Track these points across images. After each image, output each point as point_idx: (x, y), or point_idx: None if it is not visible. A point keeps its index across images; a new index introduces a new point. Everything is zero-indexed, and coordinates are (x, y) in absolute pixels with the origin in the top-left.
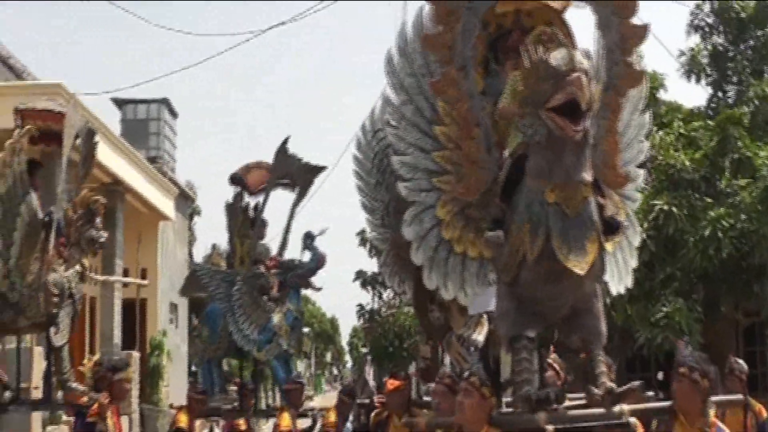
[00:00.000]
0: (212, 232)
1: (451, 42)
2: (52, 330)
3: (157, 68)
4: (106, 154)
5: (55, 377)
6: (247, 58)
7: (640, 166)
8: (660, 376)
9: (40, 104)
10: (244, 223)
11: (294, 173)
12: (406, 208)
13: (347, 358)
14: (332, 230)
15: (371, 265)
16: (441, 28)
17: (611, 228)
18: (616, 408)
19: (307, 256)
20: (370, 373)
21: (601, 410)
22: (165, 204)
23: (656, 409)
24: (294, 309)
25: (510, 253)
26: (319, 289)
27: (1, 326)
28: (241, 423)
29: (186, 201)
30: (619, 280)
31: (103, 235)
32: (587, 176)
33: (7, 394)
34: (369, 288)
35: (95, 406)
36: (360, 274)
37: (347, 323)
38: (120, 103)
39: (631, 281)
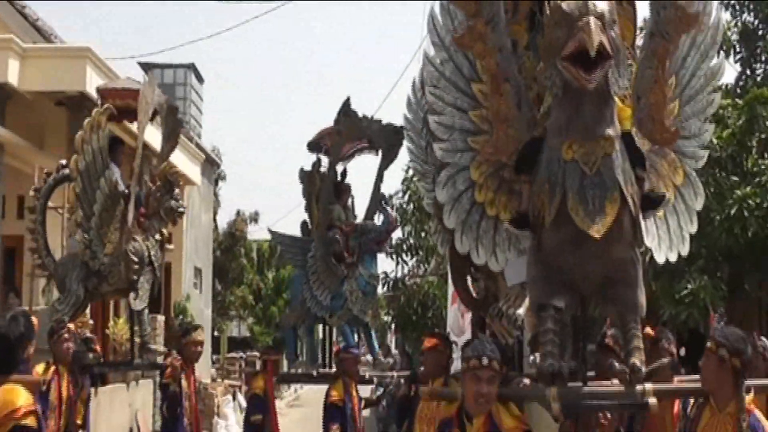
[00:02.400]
0: (236, 197)
1: None
2: (132, 295)
3: (184, 34)
4: None
5: (137, 339)
6: (276, 24)
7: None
8: (682, 351)
9: (119, 83)
10: (324, 189)
11: (374, 136)
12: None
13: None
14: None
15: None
16: None
17: (652, 202)
18: (639, 387)
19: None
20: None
21: (619, 388)
22: (191, 169)
23: (686, 390)
24: (366, 274)
25: (532, 217)
26: (390, 253)
27: (87, 292)
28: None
29: (211, 166)
30: (669, 246)
31: (182, 205)
32: (610, 131)
33: (91, 356)
34: (392, 256)
35: (168, 369)
36: None
37: None
38: (146, 67)
39: (687, 249)
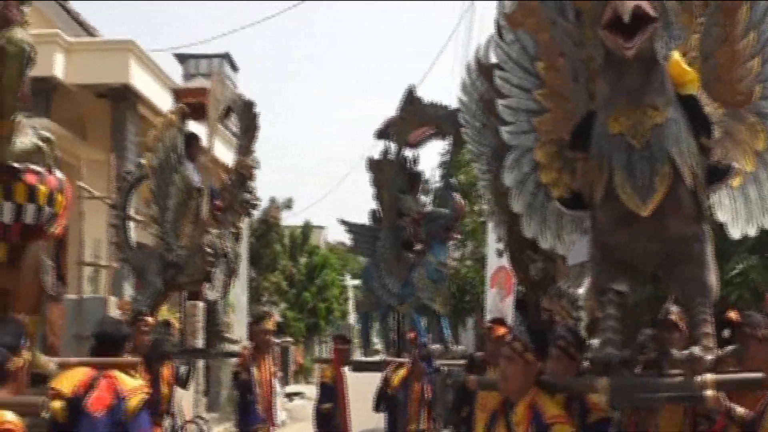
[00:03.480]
0: (270, 184)
1: None
2: (207, 286)
3: (219, 24)
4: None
5: (211, 328)
6: (308, 15)
7: None
8: (725, 333)
9: (195, 83)
10: (396, 176)
11: (441, 121)
12: (506, 152)
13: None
14: None
15: None
16: None
17: (718, 174)
18: (698, 379)
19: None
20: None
21: (676, 379)
22: (227, 158)
23: (748, 380)
24: (435, 262)
25: (586, 196)
26: (457, 239)
27: (165, 283)
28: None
29: None
30: (747, 219)
31: (257, 197)
32: (659, 99)
33: (169, 343)
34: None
35: (240, 357)
36: None
37: None
38: (182, 58)
39: None
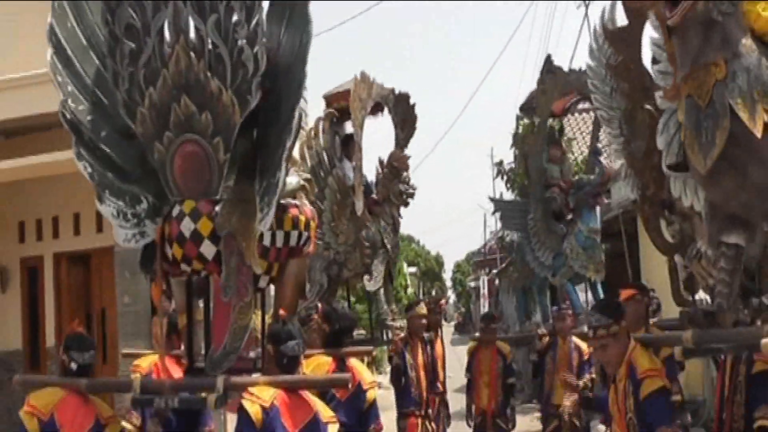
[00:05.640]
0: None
1: None
2: (366, 277)
3: None
4: None
5: (374, 316)
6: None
7: None
8: None
9: (343, 87)
10: (542, 148)
11: (584, 87)
12: (637, 116)
13: (450, 293)
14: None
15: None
16: None
17: None
18: (754, 329)
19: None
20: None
21: (746, 329)
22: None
23: None
24: (586, 229)
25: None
26: (607, 205)
27: (330, 279)
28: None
29: None
30: None
31: (412, 187)
32: (720, 54)
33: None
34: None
35: (393, 343)
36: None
37: (450, 259)
38: None
39: None
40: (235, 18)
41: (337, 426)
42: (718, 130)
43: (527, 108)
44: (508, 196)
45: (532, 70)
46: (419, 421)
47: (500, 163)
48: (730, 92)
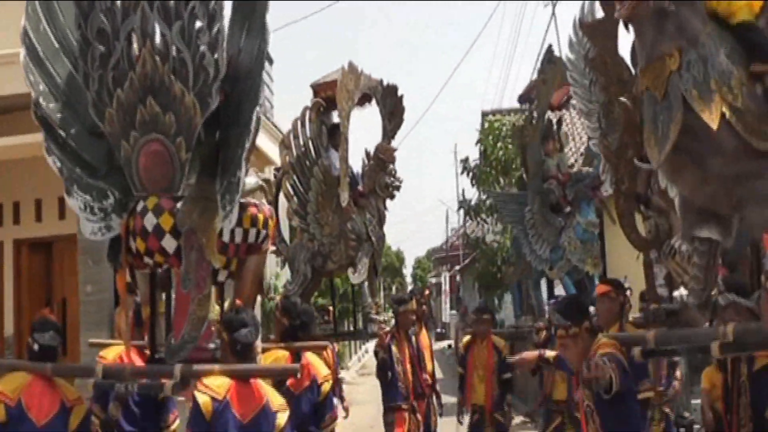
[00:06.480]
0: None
1: None
2: (350, 270)
3: None
4: None
5: (359, 310)
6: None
7: None
8: None
9: (331, 77)
10: (540, 141)
11: None
12: (613, 110)
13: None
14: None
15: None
16: None
17: None
18: (720, 328)
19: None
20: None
21: (702, 330)
22: (271, 148)
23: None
24: (584, 222)
25: None
26: (603, 200)
27: (314, 271)
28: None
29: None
30: None
31: (399, 179)
32: (675, 44)
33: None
34: (469, 216)
35: (379, 338)
36: (464, 204)
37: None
38: None
39: None
40: (198, 25)
41: (287, 413)
42: (672, 123)
43: (525, 98)
44: (472, 193)
45: (499, 70)
46: (406, 414)
47: (466, 160)
48: (684, 83)
